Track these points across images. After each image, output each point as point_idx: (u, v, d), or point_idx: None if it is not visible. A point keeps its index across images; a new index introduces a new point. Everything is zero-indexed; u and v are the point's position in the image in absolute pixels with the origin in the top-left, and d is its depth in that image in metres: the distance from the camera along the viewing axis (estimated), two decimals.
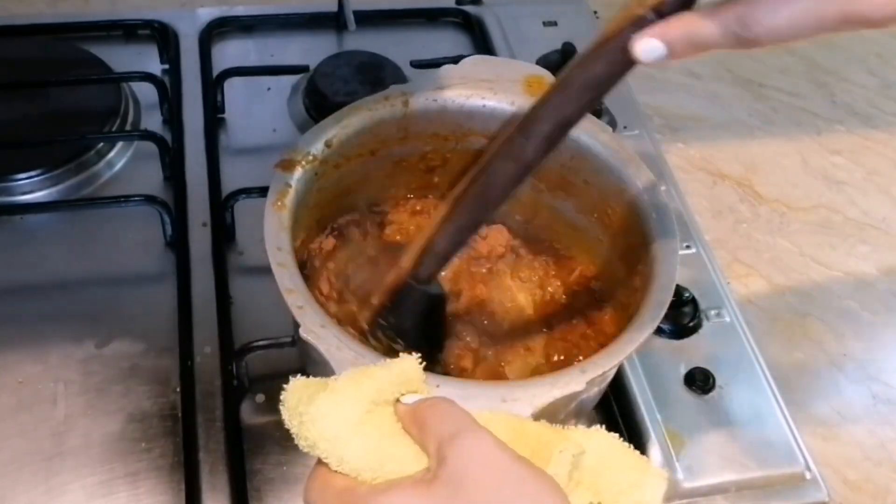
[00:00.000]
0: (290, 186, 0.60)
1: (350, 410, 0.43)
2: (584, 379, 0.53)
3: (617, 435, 0.48)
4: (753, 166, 0.99)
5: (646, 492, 0.47)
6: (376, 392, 0.44)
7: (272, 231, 0.57)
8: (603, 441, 0.48)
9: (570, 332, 0.68)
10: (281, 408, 0.45)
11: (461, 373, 0.64)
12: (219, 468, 0.63)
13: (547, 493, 0.41)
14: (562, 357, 0.67)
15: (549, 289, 0.71)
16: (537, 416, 0.50)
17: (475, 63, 0.69)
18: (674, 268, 0.59)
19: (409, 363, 0.46)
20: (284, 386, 0.45)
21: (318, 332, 0.52)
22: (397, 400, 0.45)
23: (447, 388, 0.48)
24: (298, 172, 0.61)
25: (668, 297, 0.58)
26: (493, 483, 0.40)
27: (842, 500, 0.74)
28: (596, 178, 0.67)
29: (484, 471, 0.40)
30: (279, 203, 0.59)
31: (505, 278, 0.71)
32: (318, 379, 0.46)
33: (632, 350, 0.55)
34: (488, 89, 0.68)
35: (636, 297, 0.61)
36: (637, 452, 0.48)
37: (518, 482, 0.40)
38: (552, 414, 0.51)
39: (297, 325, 0.53)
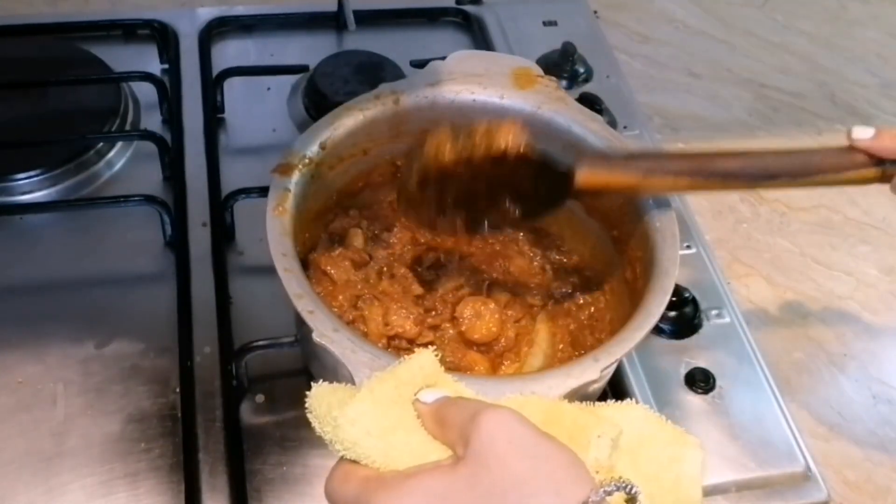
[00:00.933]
0: (289, 191, 0.60)
1: (385, 410, 0.44)
2: (598, 367, 0.53)
3: (648, 406, 0.48)
4: None
5: (685, 464, 0.47)
6: (404, 388, 0.45)
7: (275, 237, 0.57)
8: (638, 415, 0.48)
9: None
10: (309, 415, 0.45)
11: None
12: (218, 469, 0.63)
13: (572, 472, 0.40)
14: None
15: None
16: None
17: (462, 58, 0.69)
18: (675, 252, 0.59)
19: (427, 357, 0.47)
20: (307, 393, 0.46)
21: (332, 335, 0.52)
22: (416, 398, 0.45)
23: (463, 383, 0.48)
24: (296, 176, 0.61)
25: (672, 283, 0.58)
26: (516, 460, 0.40)
27: (842, 500, 0.74)
28: None
29: (507, 447, 0.40)
30: (280, 208, 0.59)
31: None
32: (342, 385, 0.46)
33: (641, 336, 0.55)
34: (477, 84, 0.68)
35: (636, 286, 0.61)
36: (672, 424, 0.48)
37: (543, 459, 0.40)
38: None
39: (300, 326, 0.52)
